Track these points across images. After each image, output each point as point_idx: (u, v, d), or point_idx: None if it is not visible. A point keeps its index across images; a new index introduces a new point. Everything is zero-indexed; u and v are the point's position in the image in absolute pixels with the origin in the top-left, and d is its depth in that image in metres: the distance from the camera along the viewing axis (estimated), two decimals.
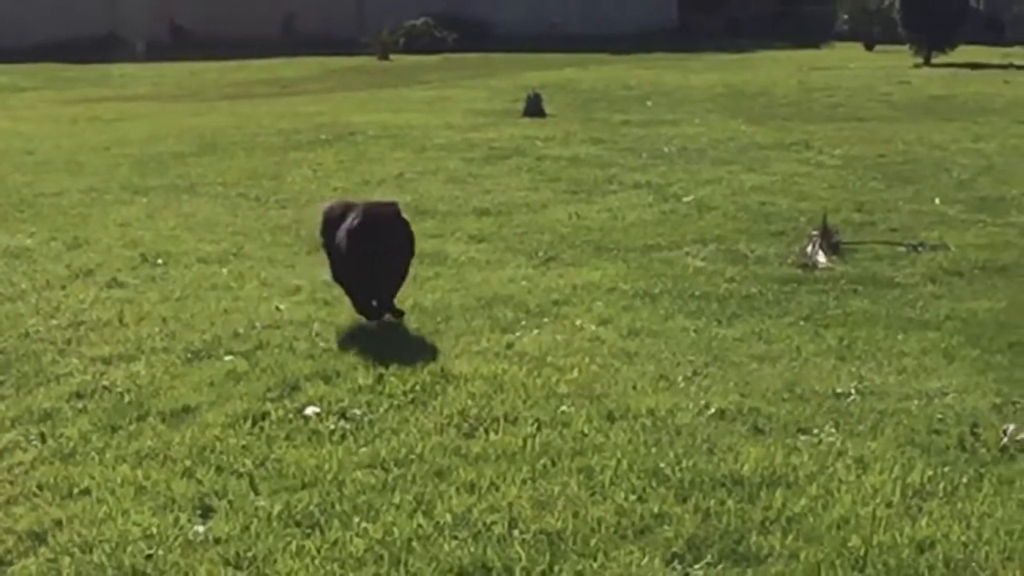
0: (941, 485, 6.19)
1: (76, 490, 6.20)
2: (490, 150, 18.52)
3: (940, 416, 7.22)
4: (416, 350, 8.36)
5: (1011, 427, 6.91)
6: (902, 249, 12.02)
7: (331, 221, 9.08)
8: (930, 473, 6.31)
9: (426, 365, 7.99)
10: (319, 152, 18.44)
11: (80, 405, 7.42)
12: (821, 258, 11.49)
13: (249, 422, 7.05)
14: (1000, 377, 8.03)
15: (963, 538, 5.58)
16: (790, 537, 5.57)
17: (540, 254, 11.68)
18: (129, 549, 5.47)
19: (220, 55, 37.45)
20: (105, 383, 7.76)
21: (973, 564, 5.32)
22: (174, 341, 8.61)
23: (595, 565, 5.33)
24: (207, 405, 7.34)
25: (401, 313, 9.05)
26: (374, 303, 8.97)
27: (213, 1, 43.14)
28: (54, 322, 9.17)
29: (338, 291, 10.12)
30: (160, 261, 11.20)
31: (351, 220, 8.71)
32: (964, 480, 6.25)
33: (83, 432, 6.98)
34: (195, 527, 5.70)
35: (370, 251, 8.63)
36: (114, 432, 6.96)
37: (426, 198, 14.62)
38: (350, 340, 8.64)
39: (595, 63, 34.84)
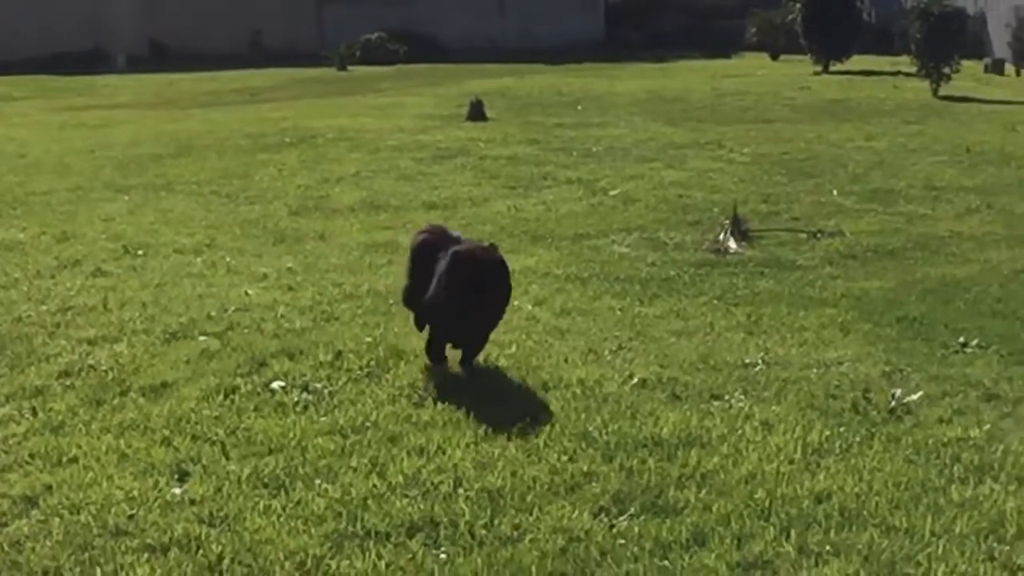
0: (837, 444, 6.24)
1: (65, 458, 6.14)
2: (437, 150, 18.46)
3: (836, 383, 7.28)
4: (371, 330, 8.32)
5: (898, 392, 6.97)
6: (803, 236, 12.09)
7: (425, 250, 7.69)
8: (827, 433, 6.36)
9: (380, 343, 7.96)
10: (284, 153, 18.32)
11: (68, 382, 7.35)
12: (732, 244, 11.54)
13: (221, 395, 7.01)
14: (889, 348, 8.10)
15: (856, 490, 5.62)
16: (704, 491, 5.60)
17: (482, 243, 11.64)
18: (113, 510, 5.44)
19: (194, 67, 37.10)
20: (91, 362, 7.69)
21: (865, 512, 5.36)
22: (153, 324, 8.54)
23: (531, 519, 5.33)
24: (183, 381, 7.29)
25: (470, 366, 7.54)
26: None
27: (188, 18, 42.78)
28: (44, 308, 9.07)
29: (301, 276, 10.11)
30: (140, 252, 11.10)
31: (455, 262, 7.24)
32: (857, 439, 6.30)
33: (71, 406, 6.92)
34: (172, 489, 5.67)
35: (472, 301, 7.25)
36: (99, 406, 6.91)
37: (380, 194, 14.57)
38: (312, 322, 8.60)
39: (531, 73, 34.70)
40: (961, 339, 8.22)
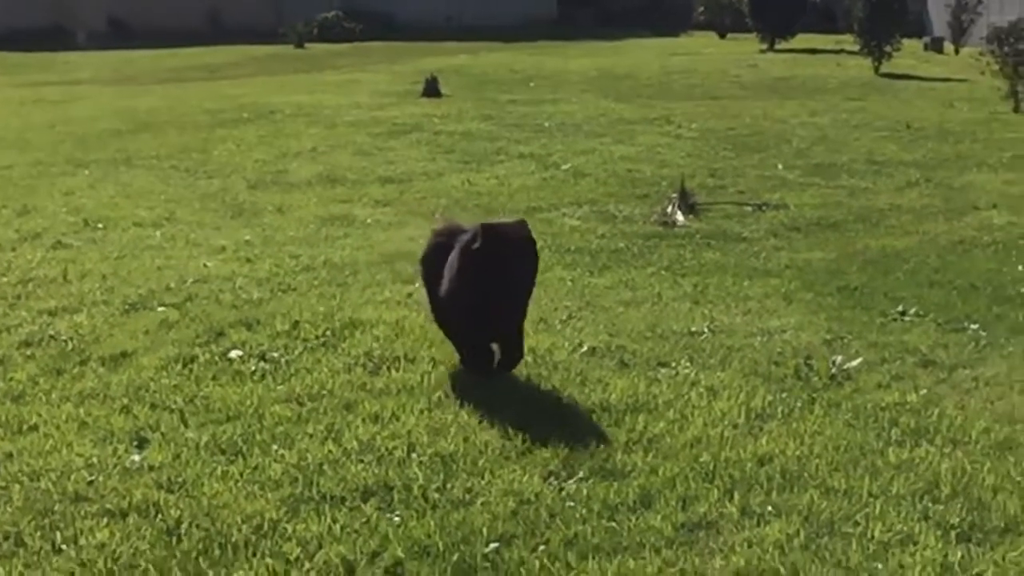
0: (779, 409, 6.27)
1: (25, 426, 6.09)
2: (393, 126, 18.40)
3: (779, 350, 7.32)
4: (327, 301, 8.30)
5: (839, 358, 7.02)
6: (749, 208, 12.15)
7: (437, 249, 6.85)
8: (770, 398, 6.40)
9: (336, 313, 7.94)
10: (242, 129, 18.20)
11: (29, 352, 7.29)
12: (679, 217, 11.57)
13: (180, 364, 6.97)
14: (830, 316, 8.15)
15: (797, 453, 5.66)
16: (650, 455, 5.62)
17: (437, 216, 11.62)
18: (73, 477, 5.40)
19: (154, 44, 36.77)
20: (51, 332, 7.62)
21: (805, 474, 5.40)
22: (112, 295, 8.48)
23: (483, 482, 5.34)
24: (142, 350, 7.24)
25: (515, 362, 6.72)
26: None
27: None
28: (5, 279, 8.98)
29: (259, 249, 10.06)
30: (100, 225, 11.01)
31: (468, 242, 6.41)
32: (799, 404, 6.34)
33: (31, 375, 6.86)
34: (131, 456, 5.63)
35: (493, 283, 6.34)
36: (59, 375, 6.85)
37: (337, 168, 14.51)
38: (269, 293, 8.56)
39: (485, 50, 34.64)
40: (900, 308, 8.29)
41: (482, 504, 5.11)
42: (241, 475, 5.41)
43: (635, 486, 5.26)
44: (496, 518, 4.95)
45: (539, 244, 10.17)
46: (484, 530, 4.84)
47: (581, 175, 14.19)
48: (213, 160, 15.24)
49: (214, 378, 6.76)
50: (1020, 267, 9.60)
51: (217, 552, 4.69)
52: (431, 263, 6.87)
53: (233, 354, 7.14)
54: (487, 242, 6.26)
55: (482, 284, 6.31)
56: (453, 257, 6.49)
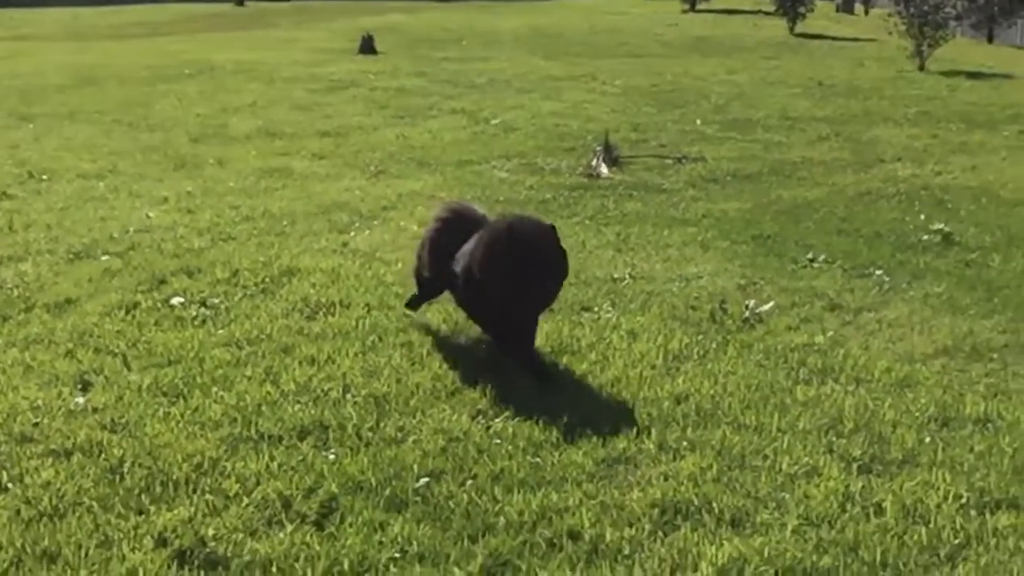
0: (695, 350, 6.32)
1: None
2: (330, 82, 18.25)
3: (696, 295, 7.37)
4: (266, 249, 8.24)
5: (752, 302, 7.07)
6: (669, 161, 12.18)
7: (444, 233, 6.37)
8: (687, 341, 6.44)
9: (274, 261, 7.89)
10: (184, 84, 17.97)
11: None
12: (604, 169, 11.58)
13: (123, 311, 6.89)
14: (745, 263, 8.21)
15: (711, 392, 5.71)
16: (573, 394, 5.65)
17: (371, 168, 11.58)
18: (19, 419, 5.33)
19: (98, 2, 36.15)
20: None
21: (719, 412, 5.45)
22: (57, 244, 8.36)
23: (414, 421, 5.34)
24: (86, 297, 7.15)
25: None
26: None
27: None
28: None
29: (200, 200, 9.96)
30: (45, 177, 10.84)
31: (502, 245, 5.79)
32: (714, 346, 6.40)
33: None
34: (76, 399, 5.57)
35: (528, 290, 5.82)
36: (5, 321, 6.75)
37: (275, 122, 14.37)
38: (210, 242, 8.48)
39: (419, 10, 34.42)
40: (809, 255, 8.36)
41: (413, 442, 5.11)
42: (182, 416, 5.37)
43: (558, 424, 5.28)
44: (427, 455, 4.96)
45: (469, 195, 10.34)
46: (415, 466, 4.85)
47: (510, 129, 14.16)
48: (155, 114, 15.04)
49: (156, 324, 6.70)
50: (922, 216, 9.72)
51: (159, 489, 4.66)
52: (438, 248, 6.29)
53: (174, 301, 7.07)
54: (515, 248, 5.73)
55: (507, 290, 5.76)
56: (473, 251, 5.90)
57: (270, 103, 16.07)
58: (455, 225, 6.36)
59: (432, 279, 6.49)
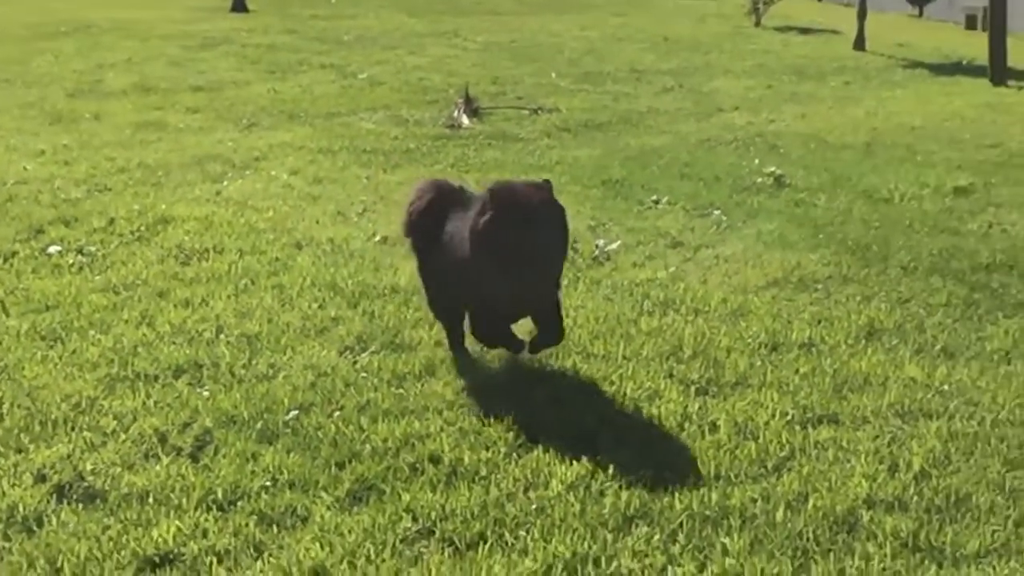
0: None
1: None
2: (203, 39, 17.84)
3: None
4: (141, 199, 8.06)
5: (601, 242, 7.14)
6: (526, 112, 12.20)
7: (431, 213, 5.24)
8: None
9: (150, 210, 7.72)
10: (60, 42, 17.39)
11: None
12: (465, 120, 11.56)
13: (1, 260, 6.70)
14: (595, 206, 8.28)
15: (564, 324, 5.74)
16: (434, 330, 5.63)
17: (244, 121, 11.39)
18: None
19: None
20: None
21: (570, 343, 5.46)
22: None
23: (285, 358, 5.30)
24: None
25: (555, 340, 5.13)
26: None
27: None
28: None
29: (77, 152, 9.68)
30: None
31: (484, 213, 4.72)
32: (565, 283, 6.39)
33: None
34: None
35: (516, 259, 4.67)
36: None
37: (150, 78, 14.02)
38: (87, 192, 8.27)
39: None
40: (654, 197, 8.46)
41: (284, 377, 5.08)
42: (60, 358, 5.26)
43: (421, 358, 5.29)
44: (296, 389, 4.93)
45: (337, 146, 10.24)
46: (285, 400, 4.82)
47: (377, 83, 14.03)
48: (32, 71, 14.54)
49: (34, 271, 6.53)
50: (757, 160, 9.89)
51: (38, 428, 4.56)
52: (424, 232, 5.28)
53: (52, 249, 6.89)
54: (502, 212, 4.68)
55: (503, 263, 4.70)
56: (458, 230, 4.94)
57: (145, 59, 15.66)
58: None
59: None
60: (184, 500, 4.02)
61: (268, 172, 9.06)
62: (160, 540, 3.76)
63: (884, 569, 3.63)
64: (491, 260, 4.72)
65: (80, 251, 6.86)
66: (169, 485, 4.12)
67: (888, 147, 10.69)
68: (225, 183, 8.68)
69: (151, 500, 4.02)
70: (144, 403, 4.79)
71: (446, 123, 11.49)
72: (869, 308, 6.08)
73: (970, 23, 24.98)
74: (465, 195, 5.23)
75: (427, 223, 5.23)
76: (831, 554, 3.71)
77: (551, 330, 5.07)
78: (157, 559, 3.69)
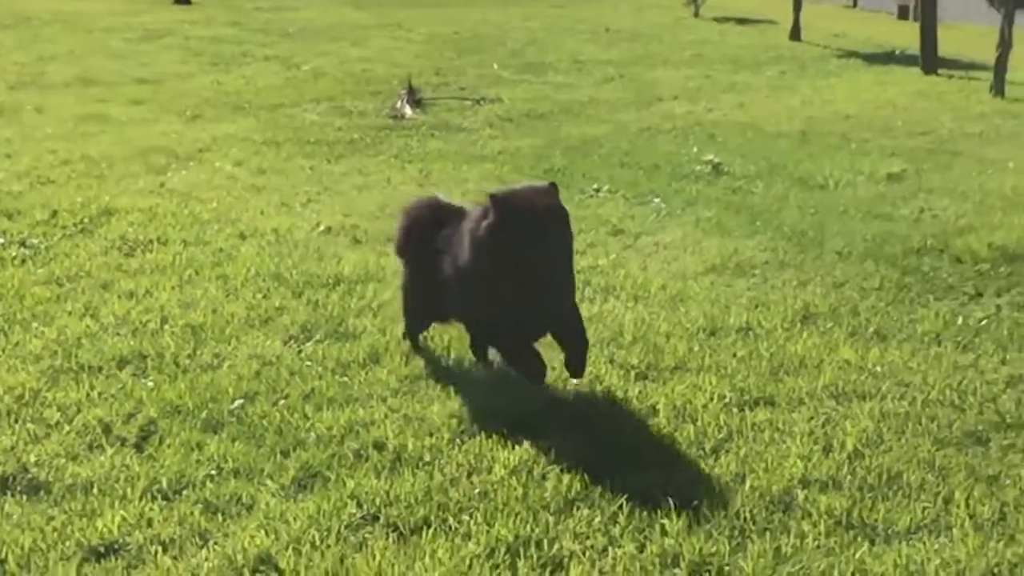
0: None
1: None
2: (146, 31, 17.65)
3: None
4: (84, 191, 7.97)
5: None
6: (468, 103, 12.18)
7: (418, 232, 4.97)
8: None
9: (93, 202, 7.64)
10: (1, 34, 17.13)
11: None
12: (408, 111, 11.53)
13: None
14: None
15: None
16: (379, 318, 5.64)
17: (187, 113, 11.28)
18: None
19: None
20: None
21: None
22: None
23: (229, 348, 5.27)
24: None
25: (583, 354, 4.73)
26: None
27: None
28: None
29: (19, 145, 9.55)
30: None
31: (487, 221, 4.40)
32: None
33: None
34: None
35: (532, 267, 4.37)
36: None
37: (93, 70, 13.85)
38: (29, 185, 8.17)
39: None
40: (595, 186, 8.49)
41: (229, 367, 5.04)
42: (3, 351, 5.18)
43: (365, 346, 5.27)
44: (241, 379, 4.90)
45: (281, 137, 10.18)
46: (230, 390, 4.78)
47: (321, 75, 13.95)
48: None
49: None
50: (695, 149, 9.95)
51: None
52: (416, 252, 4.99)
53: None
54: (505, 219, 4.33)
55: (508, 274, 4.38)
56: (457, 243, 4.60)
57: (87, 52, 15.47)
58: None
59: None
60: (129, 490, 3.98)
61: (212, 163, 8.99)
62: (105, 530, 3.73)
63: (818, 547, 3.67)
64: (497, 270, 4.37)
65: (23, 244, 6.77)
66: (114, 475, 4.08)
67: (823, 135, 10.79)
68: (169, 175, 8.60)
69: (95, 491, 3.98)
70: (88, 394, 4.74)
71: (389, 114, 11.45)
72: (805, 292, 6.14)
73: (902, 13, 25.25)
74: (461, 210, 4.86)
75: (421, 239, 4.87)
76: (767, 533, 3.75)
77: (577, 345, 4.65)
78: (102, 549, 3.65)
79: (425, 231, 4.89)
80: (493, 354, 4.93)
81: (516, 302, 4.45)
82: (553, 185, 4.54)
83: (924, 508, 3.91)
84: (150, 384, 4.84)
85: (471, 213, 4.64)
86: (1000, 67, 13.66)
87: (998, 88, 13.55)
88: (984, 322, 5.72)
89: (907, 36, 18.91)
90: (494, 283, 4.44)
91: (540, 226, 4.34)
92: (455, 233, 4.66)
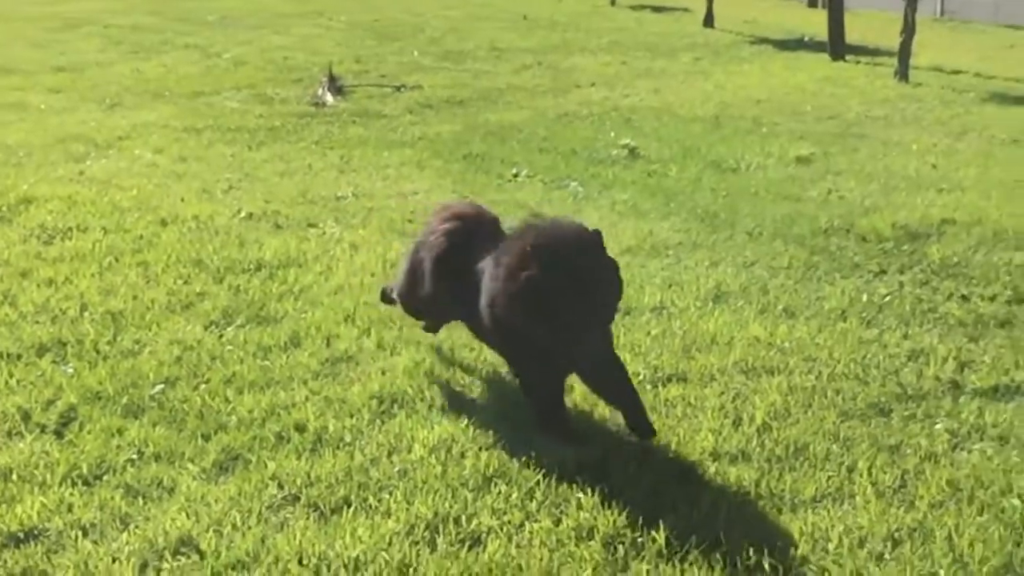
0: None
1: None
2: (65, 20, 17.31)
3: (412, 209, 7.39)
4: (2, 179, 7.81)
5: None
6: (389, 90, 12.12)
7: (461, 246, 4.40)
8: (402, 250, 6.38)
9: (11, 190, 7.49)
10: None
11: None
12: (329, 98, 11.44)
13: None
14: (456, 179, 8.29)
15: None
16: (300, 303, 5.61)
17: (107, 101, 11.10)
18: None
19: None
20: None
21: None
22: None
23: (150, 334, 5.20)
24: None
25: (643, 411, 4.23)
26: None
27: None
28: None
29: None
30: None
31: (527, 273, 3.87)
32: None
33: None
34: None
35: (572, 328, 3.94)
36: None
37: (10, 59, 13.55)
38: None
39: None
40: (514, 171, 8.50)
41: (149, 353, 4.98)
42: None
43: (286, 330, 5.24)
44: (162, 364, 4.85)
45: (202, 124, 10.04)
46: (151, 375, 4.73)
47: (241, 63, 13.79)
48: None
49: None
50: (612, 134, 10.00)
51: None
52: (449, 269, 4.42)
53: None
54: (547, 274, 3.85)
55: (544, 333, 3.96)
56: (492, 280, 4.08)
57: (6, 41, 15.14)
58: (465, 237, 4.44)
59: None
60: (48, 476, 3.93)
61: (132, 151, 8.86)
62: (24, 516, 3.68)
63: (729, 517, 3.73)
64: (533, 326, 3.94)
65: None
66: (33, 462, 4.02)
67: (735, 119, 10.90)
68: (88, 163, 8.47)
69: (15, 477, 3.92)
70: (7, 382, 4.66)
71: (310, 101, 11.36)
72: (717, 272, 6.21)
73: (811, 1, 25.56)
74: (499, 229, 4.45)
75: (455, 259, 4.36)
76: (680, 505, 3.80)
77: (635, 405, 4.18)
78: (21, 535, 3.60)
79: (467, 252, 4.34)
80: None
81: (550, 358, 4.07)
82: (598, 232, 4.00)
83: (829, 477, 3.99)
84: (70, 371, 4.77)
85: (510, 244, 4.10)
86: (904, 53, 13.89)
87: (902, 73, 13.78)
88: (888, 298, 5.83)
89: (816, 23, 19.12)
90: (528, 339, 4.01)
91: (585, 282, 3.85)
92: (491, 262, 4.14)
